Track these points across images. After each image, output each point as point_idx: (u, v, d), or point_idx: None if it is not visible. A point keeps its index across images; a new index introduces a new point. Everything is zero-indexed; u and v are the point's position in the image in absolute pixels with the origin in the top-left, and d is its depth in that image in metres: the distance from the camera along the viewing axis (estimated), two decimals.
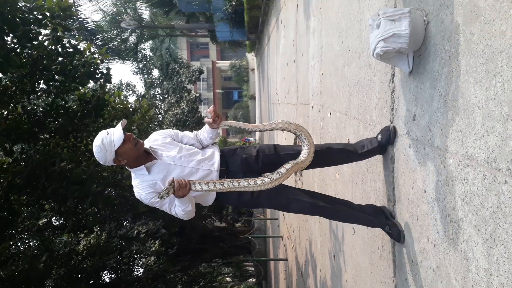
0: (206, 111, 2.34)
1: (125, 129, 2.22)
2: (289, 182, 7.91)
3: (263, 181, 2.07)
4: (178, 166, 2.29)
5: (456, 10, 1.57)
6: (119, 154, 2.20)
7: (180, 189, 2.04)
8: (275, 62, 10.96)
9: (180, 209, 2.28)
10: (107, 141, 2.15)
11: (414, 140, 2.00)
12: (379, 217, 2.33)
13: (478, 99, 1.43)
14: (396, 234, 2.19)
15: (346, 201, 2.53)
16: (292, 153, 2.38)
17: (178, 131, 2.58)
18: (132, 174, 2.36)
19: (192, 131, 2.61)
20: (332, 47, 3.79)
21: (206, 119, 2.30)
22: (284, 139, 8.53)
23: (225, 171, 2.37)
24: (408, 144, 2.06)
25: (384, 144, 2.31)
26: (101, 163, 2.23)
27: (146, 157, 2.31)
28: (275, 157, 2.38)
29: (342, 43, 3.40)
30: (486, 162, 1.39)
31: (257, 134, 25.86)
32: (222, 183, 2.08)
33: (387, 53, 1.84)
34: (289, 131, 2.28)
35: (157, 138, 2.42)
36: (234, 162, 2.40)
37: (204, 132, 2.46)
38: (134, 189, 2.35)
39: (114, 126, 2.30)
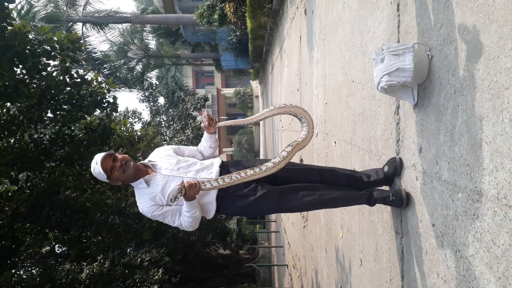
0: (200, 116, 2.41)
1: (127, 153, 2.30)
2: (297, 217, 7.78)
3: (267, 166, 2.13)
4: (176, 177, 2.30)
5: (460, 46, 1.59)
6: (112, 179, 2.32)
7: (191, 188, 2.07)
8: (279, 90, 11.07)
9: (188, 215, 2.25)
10: (96, 172, 2.26)
11: (421, 173, 1.98)
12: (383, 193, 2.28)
13: (486, 134, 1.42)
14: (399, 199, 2.14)
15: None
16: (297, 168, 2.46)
17: (181, 145, 2.68)
18: (135, 190, 2.40)
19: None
20: (336, 78, 3.83)
21: (202, 124, 2.39)
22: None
23: None
24: (415, 176, 2.05)
25: (390, 175, 2.30)
26: None
27: (146, 170, 2.38)
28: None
29: (345, 73, 3.43)
30: (496, 198, 1.37)
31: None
32: (230, 177, 2.13)
33: (391, 87, 1.85)
34: (285, 113, 2.28)
35: (159, 152, 2.50)
36: (237, 170, 2.39)
37: (203, 141, 2.54)
38: (138, 204, 2.38)
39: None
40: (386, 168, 2.31)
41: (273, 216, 16.44)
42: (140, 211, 2.36)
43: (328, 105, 4.27)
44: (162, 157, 2.43)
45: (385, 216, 2.54)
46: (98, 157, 2.26)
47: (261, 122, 27.49)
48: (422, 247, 2.00)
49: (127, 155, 2.35)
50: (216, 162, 2.43)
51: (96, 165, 2.24)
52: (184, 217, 2.29)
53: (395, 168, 2.23)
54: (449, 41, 1.68)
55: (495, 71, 1.37)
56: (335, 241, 4.19)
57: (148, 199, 2.31)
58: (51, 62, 5.44)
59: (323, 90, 4.56)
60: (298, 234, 7.91)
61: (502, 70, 1.33)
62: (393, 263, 2.42)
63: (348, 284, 3.61)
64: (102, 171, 2.22)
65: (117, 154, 2.33)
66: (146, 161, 2.43)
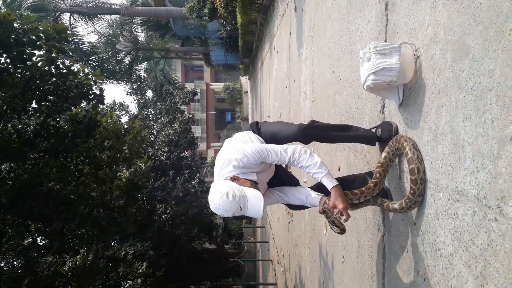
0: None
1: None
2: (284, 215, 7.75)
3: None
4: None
5: (445, 47, 1.60)
6: None
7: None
8: (268, 86, 11.06)
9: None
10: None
11: (404, 172, 2.00)
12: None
13: (468, 135, 1.44)
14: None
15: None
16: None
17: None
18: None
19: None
20: (324, 75, 3.84)
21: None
22: None
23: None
24: (398, 175, 2.06)
25: (382, 140, 2.22)
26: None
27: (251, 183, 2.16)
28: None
29: (333, 71, 3.44)
30: (477, 199, 1.39)
31: None
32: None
33: (377, 86, 1.86)
34: None
35: (247, 166, 2.19)
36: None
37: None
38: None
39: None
40: (379, 132, 2.22)
41: None
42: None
43: (316, 102, 4.28)
44: (254, 170, 2.23)
45: (368, 214, 2.56)
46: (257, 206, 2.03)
47: (249, 118, 27.40)
48: (403, 245, 2.02)
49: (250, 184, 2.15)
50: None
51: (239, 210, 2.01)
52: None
53: (390, 136, 2.12)
54: (435, 41, 1.69)
55: (479, 72, 1.38)
56: (319, 237, 4.22)
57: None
58: (37, 52, 5.34)
59: (311, 88, 4.56)
60: (283, 229, 7.95)
61: (486, 71, 1.34)
62: (375, 260, 2.44)
63: (330, 280, 3.64)
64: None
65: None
66: (253, 178, 2.19)
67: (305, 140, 2.35)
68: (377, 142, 2.29)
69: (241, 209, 1.97)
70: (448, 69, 1.58)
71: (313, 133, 2.32)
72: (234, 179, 2.10)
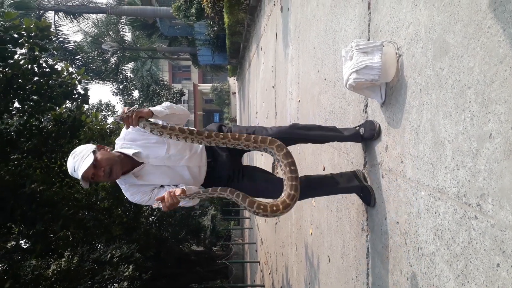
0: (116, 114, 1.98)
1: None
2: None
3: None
4: (168, 167, 2.10)
5: (426, 45, 1.60)
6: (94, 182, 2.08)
7: (170, 206, 1.80)
8: (255, 87, 11.05)
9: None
10: (74, 176, 1.97)
11: (386, 171, 1.99)
12: (351, 183, 2.26)
13: (448, 133, 1.44)
14: (368, 198, 2.19)
15: (320, 182, 2.33)
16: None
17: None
18: (119, 181, 2.12)
19: None
20: (309, 75, 3.83)
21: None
22: (263, 163, 8.51)
23: (211, 162, 2.20)
24: (381, 174, 2.06)
25: (364, 139, 2.21)
26: None
27: (132, 163, 2.07)
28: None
29: (318, 71, 3.43)
30: (457, 197, 1.38)
31: None
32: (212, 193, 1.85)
33: (359, 84, 1.85)
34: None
35: (135, 138, 2.10)
36: (220, 154, 2.23)
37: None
38: (126, 195, 2.16)
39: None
40: (362, 131, 2.19)
41: (247, 213, 16.44)
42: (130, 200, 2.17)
43: (301, 103, 4.27)
44: (145, 145, 2.09)
45: (352, 213, 2.56)
46: (78, 166, 1.92)
47: (237, 118, 27.37)
48: (386, 244, 2.02)
49: (110, 156, 1.97)
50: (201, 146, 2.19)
51: (74, 172, 1.95)
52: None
53: (372, 135, 2.12)
54: (416, 40, 1.68)
55: (459, 70, 1.38)
56: (305, 238, 4.21)
57: (137, 191, 2.11)
58: (18, 50, 5.23)
59: (297, 88, 4.56)
60: (270, 230, 7.93)
61: (465, 69, 1.34)
62: (359, 260, 2.44)
63: (316, 280, 3.63)
64: (83, 183, 1.93)
65: (99, 157, 1.94)
66: (128, 152, 2.05)
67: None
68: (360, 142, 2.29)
69: (75, 171, 1.94)
70: (429, 67, 1.58)
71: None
72: (100, 148, 2.02)
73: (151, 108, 1.92)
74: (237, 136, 1.87)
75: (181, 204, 1.88)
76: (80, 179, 1.89)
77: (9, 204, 5.72)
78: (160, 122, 1.95)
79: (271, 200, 1.81)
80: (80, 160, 1.92)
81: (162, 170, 2.10)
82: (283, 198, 1.71)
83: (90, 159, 1.90)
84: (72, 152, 2.01)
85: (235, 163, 2.26)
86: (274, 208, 1.67)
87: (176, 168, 2.11)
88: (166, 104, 2.08)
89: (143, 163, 2.07)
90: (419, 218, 1.66)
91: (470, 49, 1.31)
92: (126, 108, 1.83)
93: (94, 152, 1.95)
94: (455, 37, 1.40)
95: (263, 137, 1.89)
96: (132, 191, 2.12)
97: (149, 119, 1.89)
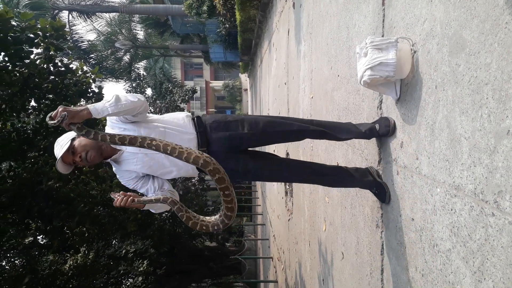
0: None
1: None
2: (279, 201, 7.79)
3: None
4: (144, 154, 2.11)
5: (442, 41, 1.59)
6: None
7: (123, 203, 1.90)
8: (267, 83, 11.04)
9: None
10: (59, 167, 2.07)
11: (401, 167, 1.99)
12: (366, 178, 2.26)
13: (465, 129, 1.43)
14: (383, 195, 2.18)
15: (333, 170, 2.37)
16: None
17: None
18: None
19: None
20: (322, 72, 3.82)
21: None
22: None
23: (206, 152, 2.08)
24: (396, 171, 2.05)
25: (379, 136, 2.20)
26: None
27: (112, 149, 2.13)
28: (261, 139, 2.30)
29: (331, 68, 3.43)
30: (474, 194, 1.38)
31: None
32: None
33: (374, 81, 1.84)
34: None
35: (113, 125, 2.12)
36: (217, 140, 2.18)
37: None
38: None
39: None
40: (377, 127, 2.19)
41: (259, 209, 16.47)
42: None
43: (314, 99, 4.26)
44: (122, 132, 2.07)
45: (366, 209, 2.56)
46: (58, 153, 2.04)
47: (249, 108, 27.45)
48: (401, 241, 2.02)
49: (87, 143, 2.04)
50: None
51: (57, 163, 2.05)
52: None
53: (387, 131, 2.11)
54: (431, 36, 1.67)
55: (476, 66, 1.37)
56: (318, 234, 4.21)
57: (128, 178, 2.21)
58: (34, 50, 5.33)
59: (310, 84, 4.55)
60: (283, 227, 7.94)
61: (482, 65, 1.33)
62: (374, 257, 2.44)
63: (330, 277, 3.64)
64: (65, 172, 2.08)
65: (75, 144, 2.04)
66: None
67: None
68: (375, 138, 2.29)
69: (57, 158, 2.05)
70: (445, 64, 1.57)
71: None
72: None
73: (90, 109, 1.83)
74: (164, 147, 1.73)
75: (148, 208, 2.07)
76: (56, 163, 2.05)
77: (26, 201, 5.84)
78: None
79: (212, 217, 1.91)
80: (60, 148, 2.07)
81: (138, 157, 2.13)
82: (222, 218, 1.85)
83: (66, 146, 2.04)
84: (57, 140, 2.15)
85: (236, 152, 2.23)
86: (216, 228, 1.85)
87: (154, 156, 2.11)
88: (113, 98, 1.92)
89: (120, 150, 2.14)
90: (435, 215, 1.66)
91: (487, 45, 1.30)
92: (58, 112, 1.77)
93: (73, 139, 2.07)
94: (472, 33, 1.39)
95: (196, 156, 1.69)
96: (124, 179, 2.24)
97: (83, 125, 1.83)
